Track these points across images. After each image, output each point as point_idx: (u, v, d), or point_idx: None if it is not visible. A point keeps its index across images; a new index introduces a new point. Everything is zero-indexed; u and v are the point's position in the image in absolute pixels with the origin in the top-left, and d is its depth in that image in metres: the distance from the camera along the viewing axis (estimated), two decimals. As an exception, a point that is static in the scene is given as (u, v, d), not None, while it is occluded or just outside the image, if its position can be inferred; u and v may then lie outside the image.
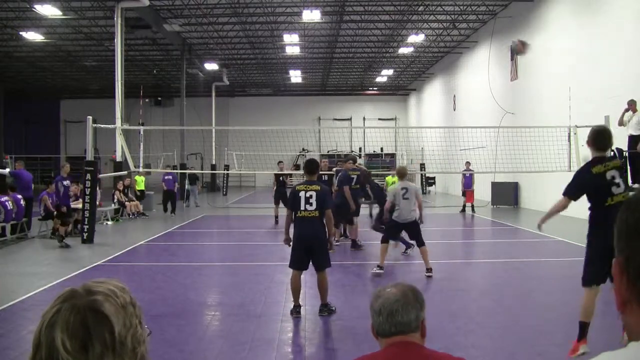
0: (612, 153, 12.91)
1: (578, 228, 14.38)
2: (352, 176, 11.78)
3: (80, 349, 0.96)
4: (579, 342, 4.99)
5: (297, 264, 6.57)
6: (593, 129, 5.13)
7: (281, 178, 16.59)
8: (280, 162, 17.63)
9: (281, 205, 15.95)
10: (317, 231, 6.48)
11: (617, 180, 4.80)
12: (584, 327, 4.94)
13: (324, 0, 22.83)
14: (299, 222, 6.48)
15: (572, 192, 4.97)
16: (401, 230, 9.36)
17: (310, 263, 6.63)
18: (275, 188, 16.56)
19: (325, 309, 6.63)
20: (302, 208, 6.43)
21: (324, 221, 6.62)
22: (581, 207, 5.26)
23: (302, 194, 6.46)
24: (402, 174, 9.34)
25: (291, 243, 6.68)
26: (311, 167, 6.78)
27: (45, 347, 0.97)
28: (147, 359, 1.07)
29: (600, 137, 4.93)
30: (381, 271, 8.90)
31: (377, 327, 1.92)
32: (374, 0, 22.85)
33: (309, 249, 6.49)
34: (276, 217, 16.19)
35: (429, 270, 8.73)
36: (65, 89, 41.80)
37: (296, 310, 6.61)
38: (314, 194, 6.42)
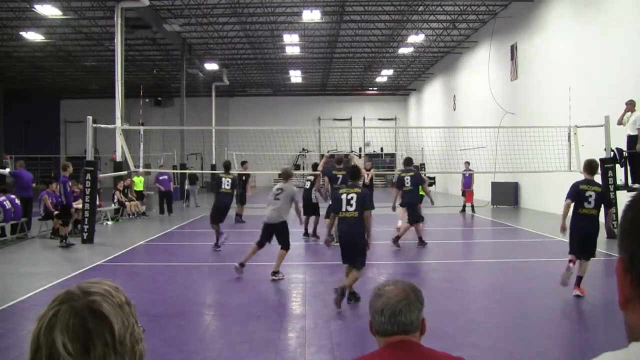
0: (612, 153, 13.00)
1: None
2: (338, 176, 11.81)
3: (82, 350, 0.96)
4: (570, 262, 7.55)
5: (344, 259, 7.14)
6: (587, 160, 7.77)
7: (243, 177, 16.67)
8: (244, 162, 17.84)
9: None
10: (355, 231, 6.90)
11: (591, 200, 7.32)
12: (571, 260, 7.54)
13: (324, 0, 22.83)
14: (340, 222, 6.97)
15: (569, 196, 7.45)
16: (270, 232, 8.90)
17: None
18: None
19: (338, 292, 6.87)
20: (343, 209, 6.90)
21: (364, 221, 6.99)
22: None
23: (343, 196, 6.95)
24: (285, 176, 9.12)
25: (333, 243, 7.29)
26: (356, 173, 7.39)
27: (45, 350, 0.97)
28: (144, 357, 1.07)
29: (590, 167, 7.54)
30: (242, 268, 8.72)
31: (377, 326, 1.91)
32: (374, 0, 22.84)
33: (348, 248, 6.97)
34: (239, 215, 16.59)
35: (274, 273, 8.61)
36: (65, 89, 41.78)
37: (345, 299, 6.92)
38: (354, 195, 6.89)
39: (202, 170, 34.60)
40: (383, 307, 1.90)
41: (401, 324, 1.88)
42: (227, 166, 12.60)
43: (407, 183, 11.63)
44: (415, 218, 11.59)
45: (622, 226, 0.89)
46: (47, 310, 1.01)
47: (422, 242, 11.70)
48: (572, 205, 7.43)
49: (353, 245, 6.90)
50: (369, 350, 2.05)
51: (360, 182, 7.46)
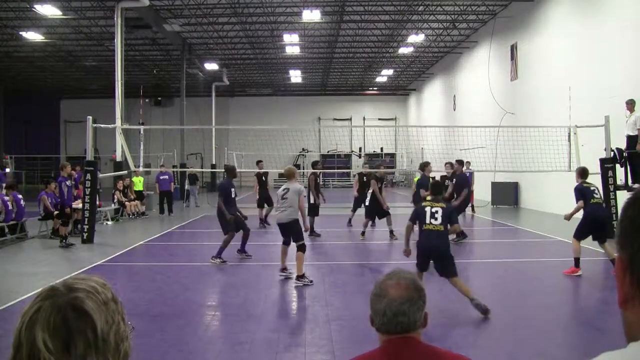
0: (612, 153, 13.00)
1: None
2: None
3: (63, 348, 0.94)
4: (576, 268, 8.81)
5: (422, 266, 7.23)
6: (578, 168, 9.68)
7: (263, 178, 15.98)
8: (259, 161, 16.74)
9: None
10: (441, 242, 7.11)
11: (597, 191, 9.17)
12: (577, 260, 8.83)
13: (324, 0, 22.83)
14: (425, 234, 7.16)
15: (579, 199, 8.97)
16: (285, 230, 8.90)
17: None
18: (257, 190, 15.82)
19: (476, 301, 6.84)
20: (427, 222, 7.10)
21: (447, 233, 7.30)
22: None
23: (427, 209, 7.15)
24: (288, 175, 9.11)
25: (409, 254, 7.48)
26: (437, 188, 7.67)
27: (26, 347, 0.95)
28: (130, 355, 1.05)
29: (583, 173, 9.26)
30: (284, 272, 8.81)
31: (379, 325, 1.89)
32: (374, 0, 22.85)
33: (434, 257, 7.15)
34: (261, 219, 15.81)
35: (298, 278, 8.51)
36: (65, 89, 41.79)
37: None
38: (439, 210, 7.12)
39: (202, 169, 34.64)
40: (385, 308, 1.86)
41: (404, 324, 1.85)
42: (225, 170, 12.00)
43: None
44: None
45: (622, 224, 0.88)
46: (30, 306, 0.99)
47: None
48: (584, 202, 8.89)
49: (441, 257, 7.11)
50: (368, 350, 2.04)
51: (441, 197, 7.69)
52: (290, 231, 8.77)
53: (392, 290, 1.89)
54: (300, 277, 8.46)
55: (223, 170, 10.01)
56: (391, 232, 12.92)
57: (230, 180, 10.80)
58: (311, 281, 8.46)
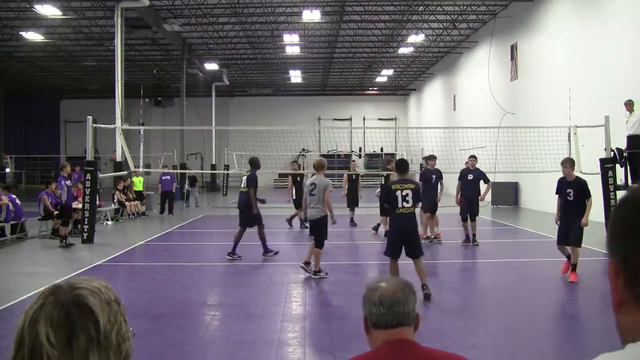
0: (612, 153, 13.01)
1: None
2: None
3: (65, 342, 0.95)
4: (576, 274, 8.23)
5: (395, 252, 7.22)
6: (569, 159, 8.96)
7: (298, 178, 15.23)
8: (294, 161, 16.09)
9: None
10: (414, 225, 7.16)
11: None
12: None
13: (324, 0, 22.83)
14: (399, 218, 7.09)
15: (589, 194, 8.24)
16: (312, 229, 8.92)
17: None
18: (293, 190, 15.00)
19: (427, 288, 7.08)
20: (400, 205, 7.00)
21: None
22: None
23: (398, 192, 7.02)
24: (317, 167, 8.82)
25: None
26: (402, 166, 7.39)
27: (29, 342, 0.96)
28: (131, 356, 1.05)
29: (569, 162, 8.62)
30: (323, 274, 8.70)
31: (376, 318, 1.89)
32: (374, 0, 22.85)
33: (406, 241, 7.14)
34: (301, 219, 14.55)
35: (315, 273, 8.61)
36: (65, 89, 41.78)
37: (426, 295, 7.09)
38: (409, 192, 6.99)
39: (202, 170, 34.61)
40: (381, 298, 1.89)
41: (400, 314, 1.88)
42: (251, 163, 11.08)
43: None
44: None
45: (613, 227, 0.86)
46: (33, 303, 1.00)
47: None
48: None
49: (412, 238, 7.13)
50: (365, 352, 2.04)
51: (407, 176, 7.42)
52: (319, 228, 8.68)
53: (384, 284, 1.96)
54: (317, 272, 8.64)
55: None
56: (375, 226, 13.12)
57: (255, 172, 10.67)
58: (326, 274, 8.73)
